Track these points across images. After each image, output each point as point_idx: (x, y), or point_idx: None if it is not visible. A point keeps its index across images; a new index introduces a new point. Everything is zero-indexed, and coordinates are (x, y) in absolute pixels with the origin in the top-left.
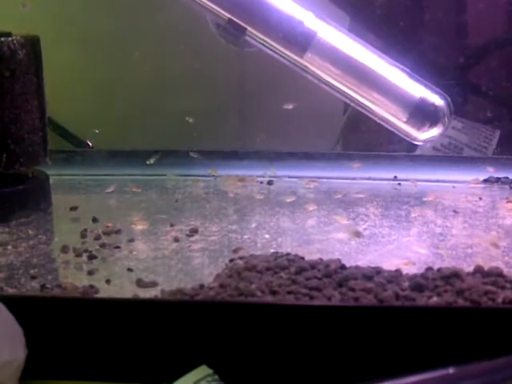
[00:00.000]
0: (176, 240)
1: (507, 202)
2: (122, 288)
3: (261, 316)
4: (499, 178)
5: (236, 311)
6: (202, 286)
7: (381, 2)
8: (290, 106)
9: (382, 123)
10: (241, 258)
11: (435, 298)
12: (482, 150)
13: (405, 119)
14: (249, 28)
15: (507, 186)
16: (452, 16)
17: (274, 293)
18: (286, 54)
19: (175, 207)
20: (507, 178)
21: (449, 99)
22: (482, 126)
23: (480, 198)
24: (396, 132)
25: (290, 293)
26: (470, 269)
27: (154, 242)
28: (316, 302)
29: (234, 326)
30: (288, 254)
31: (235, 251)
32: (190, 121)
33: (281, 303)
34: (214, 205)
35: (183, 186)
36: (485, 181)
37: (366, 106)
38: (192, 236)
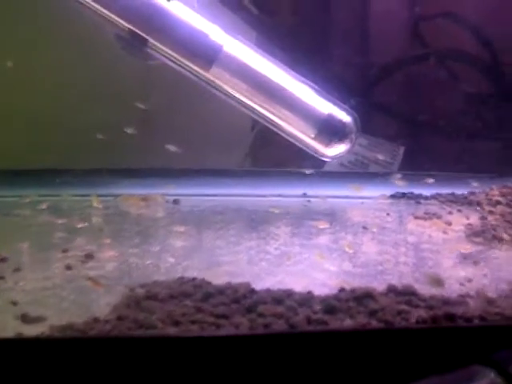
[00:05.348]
0: (68, 268)
1: (414, 217)
2: (3, 324)
3: (163, 350)
4: (405, 194)
5: (134, 346)
6: (96, 320)
7: (287, 18)
8: (143, 106)
9: (290, 139)
10: (142, 286)
11: (348, 321)
12: (387, 165)
13: (313, 135)
14: (151, 40)
15: (413, 201)
16: (357, 34)
17: (176, 323)
18: (191, 68)
19: (70, 230)
20: (412, 193)
21: (356, 115)
22: (387, 143)
23: (388, 214)
24: (304, 148)
25: (194, 322)
26: (383, 286)
27: (44, 271)
28: (222, 332)
29: (132, 363)
30: (194, 278)
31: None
32: (143, 107)
33: (183, 335)
34: (114, 227)
35: (80, 207)
36: (391, 196)
37: (273, 121)
38: (87, 263)
